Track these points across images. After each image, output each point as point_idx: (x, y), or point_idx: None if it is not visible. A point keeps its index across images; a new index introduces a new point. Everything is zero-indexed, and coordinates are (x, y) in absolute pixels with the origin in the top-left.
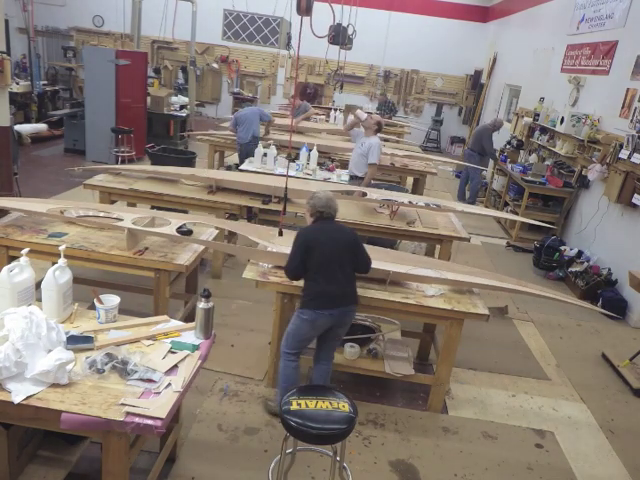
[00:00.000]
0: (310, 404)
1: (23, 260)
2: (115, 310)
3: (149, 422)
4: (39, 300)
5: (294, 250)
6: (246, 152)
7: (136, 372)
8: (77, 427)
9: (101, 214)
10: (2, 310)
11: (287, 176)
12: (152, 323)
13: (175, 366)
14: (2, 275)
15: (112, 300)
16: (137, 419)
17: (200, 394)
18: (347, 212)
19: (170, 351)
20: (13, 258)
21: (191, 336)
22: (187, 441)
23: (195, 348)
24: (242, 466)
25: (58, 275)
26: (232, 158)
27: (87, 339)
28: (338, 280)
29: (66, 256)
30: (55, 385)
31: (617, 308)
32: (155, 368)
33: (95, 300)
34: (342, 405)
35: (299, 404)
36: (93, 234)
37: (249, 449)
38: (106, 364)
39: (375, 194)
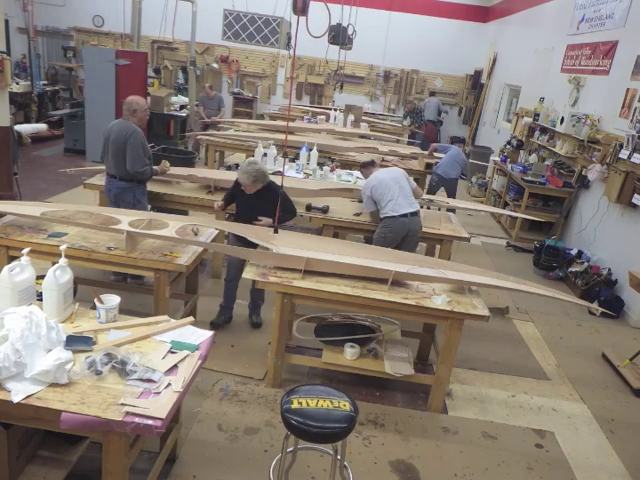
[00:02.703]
0: (311, 403)
1: (24, 260)
2: (115, 310)
3: (149, 422)
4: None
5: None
6: None
7: (135, 372)
8: (77, 427)
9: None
10: (3, 310)
11: (283, 175)
12: (152, 323)
13: (175, 366)
14: (3, 275)
15: (112, 300)
16: (137, 419)
17: (200, 394)
18: (344, 210)
19: (170, 351)
20: (13, 258)
21: (191, 335)
22: (187, 441)
23: (195, 348)
24: (242, 466)
25: (59, 275)
26: (232, 158)
27: (86, 340)
28: None
29: (66, 256)
30: (54, 385)
31: (613, 308)
32: (155, 368)
33: (95, 300)
34: (343, 404)
35: (300, 403)
36: (93, 234)
37: (249, 449)
38: (105, 364)
39: None
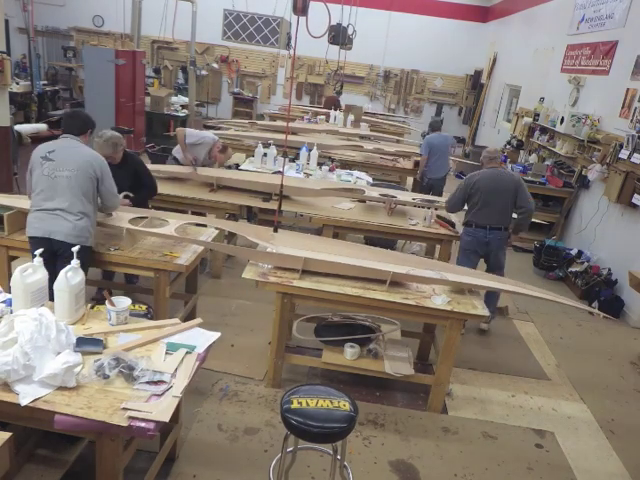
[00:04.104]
0: (311, 402)
1: (37, 261)
2: (126, 312)
3: (142, 425)
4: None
5: None
6: None
7: (143, 377)
8: (70, 428)
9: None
10: (17, 310)
11: (282, 174)
12: (162, 326)
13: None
14: (15, 276)
15: (123, 302)
16: (143, 424)
17: (200, 394)
18: (343, 211)
19: (166, 352)
20: (13, 258)
21: (200, 337)
22: (187, 441)
23: (192, 348)
24: (242, 466)
25: (70, 276)
26: (232, 158)
27: (96, 342)
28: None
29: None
30: (62, 388)
31: (613, 308)
32: (162, 370)
33: (107, 302)
34: (343, 404)
35: (300, 402)
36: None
37: (249, 449)
38: (113, 368)
39: (374, 192)
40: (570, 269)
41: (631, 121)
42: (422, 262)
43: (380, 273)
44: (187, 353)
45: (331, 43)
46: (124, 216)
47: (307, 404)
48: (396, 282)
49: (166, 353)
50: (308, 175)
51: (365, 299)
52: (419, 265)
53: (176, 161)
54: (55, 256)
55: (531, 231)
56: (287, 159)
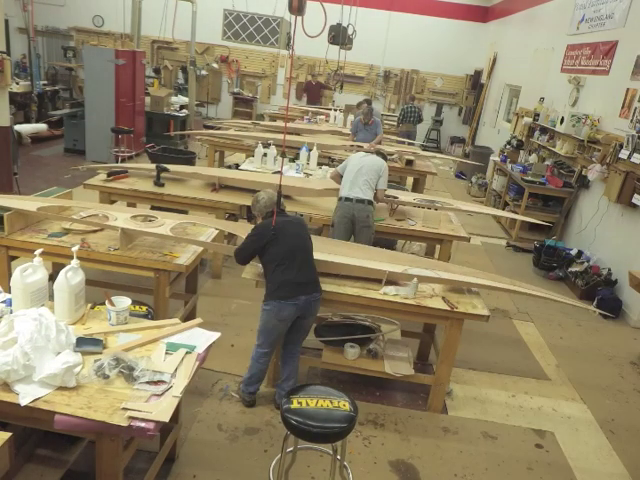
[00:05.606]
0: (311, 402)
1: (36, 261)
2: (126, 312)
3: (142, 425)
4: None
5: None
6: None
7: (144, 377)
8: (70, 428)
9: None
10: (17, 310)
11: (281, 174)
12: (162, 326)
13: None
14: (15, 276)
15: (123, 302)
16: (143, 424)
17: (200, 394)
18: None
19: (166, 352)
20: (13, 258)
21: (200, 337)
22: (187, 441)
23: (192, 348)
24: (242, 466)
25: (70, 276)
26: (232, 158)
27: (96, 342)
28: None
29: (66, 255)
30: (62, 388)
31: (613, 308)
32: (162, 370)
33: (107, 302)
34: (342, 404)
35: (299, 402)
36: (93, 234)
37: (249, 449)
38: (113, 368)
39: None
40: (570, 269)
41: (631, 121)
42: (417, 261)
43: (376, 272)
44: (187, 353)
45: (331, 43)
46: (120, 216)
47: (307, 404)
48: (395, 282)
49: (166, 353)
50: (308, 175)
51: (365, 299)
52: (413, 264)
53: None
54: None
55: (531, 231)
56: (287, 159)
